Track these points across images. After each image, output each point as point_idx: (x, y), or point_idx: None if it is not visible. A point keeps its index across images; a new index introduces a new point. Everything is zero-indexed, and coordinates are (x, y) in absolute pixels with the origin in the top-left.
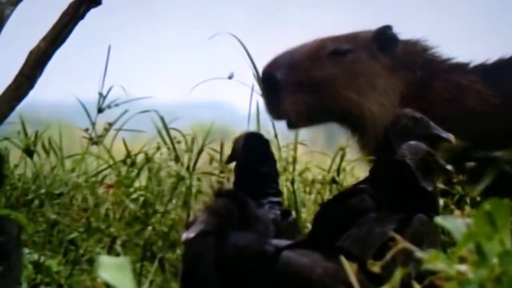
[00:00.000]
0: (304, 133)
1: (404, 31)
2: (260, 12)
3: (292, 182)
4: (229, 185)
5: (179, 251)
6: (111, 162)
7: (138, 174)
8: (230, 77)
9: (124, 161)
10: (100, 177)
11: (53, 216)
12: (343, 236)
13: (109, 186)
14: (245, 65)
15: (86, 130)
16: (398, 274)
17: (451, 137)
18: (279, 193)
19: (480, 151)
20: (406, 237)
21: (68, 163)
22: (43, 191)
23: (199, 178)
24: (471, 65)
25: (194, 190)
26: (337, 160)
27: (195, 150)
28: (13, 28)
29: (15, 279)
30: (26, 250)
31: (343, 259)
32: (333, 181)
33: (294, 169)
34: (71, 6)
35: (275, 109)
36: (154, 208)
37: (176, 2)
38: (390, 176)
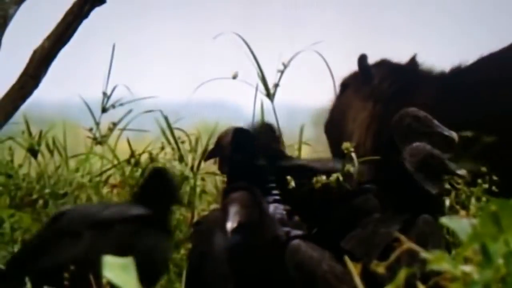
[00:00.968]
0: (308, 133)
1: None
2: (262, 11)
3: None
4: None
5: (183, 251)
6: (115, 162)
7: (142, 174)
8: (234, 77)
9: (128, 161)
10: (104, 177)
11: None
12: (347, 236)
13: (114, 186)
14: (250, 64)
15: (91, 129)
16: (402, 274)
17: (454, 135)
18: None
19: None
20: (410, 237)
21: (72, 163)
22: (47, 191)
23: (203, 178)
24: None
25: (198, 190)
26: None
27: (199, 150)
28: (17, 27)
29: None
30: None
31: (347, 259)
32: (338, 181)
33: None
34: (75, 5)
35: None
36: None
37: (181, 2)
38: (392, 178)
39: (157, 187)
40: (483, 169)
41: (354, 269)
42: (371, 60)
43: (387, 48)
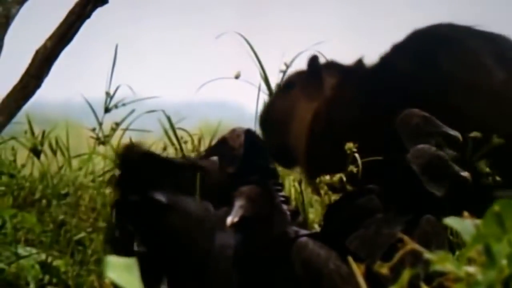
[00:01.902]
0: None
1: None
2: (265, 11)
3: (300, 182)
4: None
5: None
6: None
7: None
8: (237, 77)
9: None
10: (107, 176)
11: (61, 216)
12: (351, 237)
13: None
14: (252, 64)
15: (93, 129)
16: (405, 274)
17: (458, 135)
18: (282, 187)
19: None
20: (414, 238)
21: (75, 163)
22: (50, 191)
23: None
24: None
25: None
26: None
27: (202, 150)
28: (19, 27)
29: None
30: (33, 250)
31: (350, 260)
32: (341, 181)
33: None
34: (77, 4)
35: None
36: None
37: (184, 2)
38: (397, 178)
39: None
40: (487, 169)
41: (358, 270)
42: (373, 59)
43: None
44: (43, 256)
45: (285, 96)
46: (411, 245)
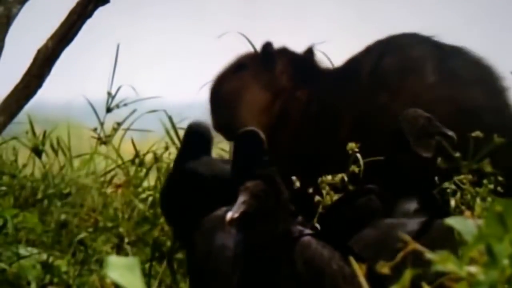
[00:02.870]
0: None
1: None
2: (266, 10)
3: None
4: None
5: None
6: (119, 162)
7: (146, 174)
8: None
9: (132, 161)
10: (108, 177)
11: (62, 216)
12: (354, 237)
13: (118, 186)
14: None
15: (95, 129)
16: (407, 275)
17: (454, 135)
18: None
19: None
20: (424, 242)
21: (76, 163)
22: (51, 191)
23: None
24: None
25: None
26: None
27: None
28: (20, 26)
29: None
30: (35, 250)
31: (352, 260)
32: (342, 182)
33: None
34: (79, 4)
35: None
36: None
37: (186, 1)
38: (403, 174)
39: None
40: (489, 169)
41: (359, 270)
42: None
43: None
44: (44, 256)
45: (236, 77)
46: (414, 245)
